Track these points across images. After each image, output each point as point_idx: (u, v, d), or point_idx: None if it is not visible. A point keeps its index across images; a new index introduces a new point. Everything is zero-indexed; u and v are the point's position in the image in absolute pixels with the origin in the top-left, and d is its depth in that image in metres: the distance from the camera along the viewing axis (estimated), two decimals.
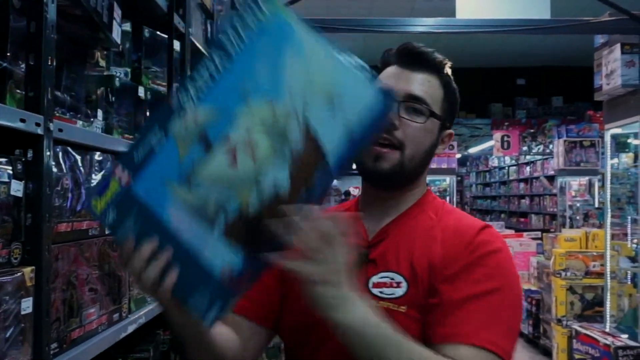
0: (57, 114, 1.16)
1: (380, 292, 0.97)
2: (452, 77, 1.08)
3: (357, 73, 0.79)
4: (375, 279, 0.99)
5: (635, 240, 3.99)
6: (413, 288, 0.97)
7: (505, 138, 8.79)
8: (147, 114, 1.67)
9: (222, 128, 0.79)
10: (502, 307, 0.94)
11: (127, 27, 1.59)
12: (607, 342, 3.52)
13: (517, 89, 13.59)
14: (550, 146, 8.62)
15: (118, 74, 1.54)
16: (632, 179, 4.18)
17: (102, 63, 1.47)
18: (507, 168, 12.90)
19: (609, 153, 3.73)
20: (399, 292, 0.97)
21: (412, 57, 1.05)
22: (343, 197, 8.91)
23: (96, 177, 1.33)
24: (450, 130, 1.09)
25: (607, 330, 3.82)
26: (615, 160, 4.15)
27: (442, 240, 1.00)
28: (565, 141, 7.27)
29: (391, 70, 1.06)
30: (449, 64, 1.08)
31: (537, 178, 10.92)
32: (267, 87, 0.79)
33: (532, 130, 10.07)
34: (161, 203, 0.80)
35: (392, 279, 0.98)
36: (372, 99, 0.79)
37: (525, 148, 9.75)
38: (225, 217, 0.79)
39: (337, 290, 0.82)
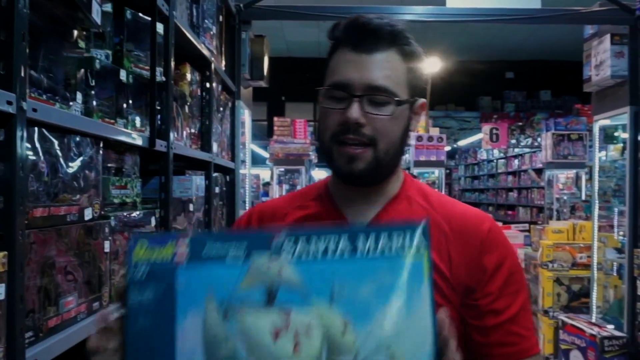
0: (34, 96, 1.12)
1: None
2: (411, 41, 0.98)
3: None
4: None
5: (621, 233, 4.01)
6: (439, 283, 0.93)
7: (494, 131, 8.80)
8: (129, 98, 1.63)
9: (293, 301, 0.74)
10: (529, 305, 0.99)
11: (108, 8, 1.54)
12: (594, 333, 3.54)
13: (505, 82, 13.65)
14: (539, 139, 8.64)
15: (98, 56, 1.49)
16: (619, 173, 4.19)
17: (82, 44, 1.42)
18: (495, 161, 12.95)
19: (597, 144, 3.72)
20: None
21: (365, 36, 0.95)
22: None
23: (74, 164, 1.28)
24: (422, 100, 1.02)
25: (594, 320, 3.84)
26: (603, 153, 4.16)
27: (452, 236, 0.98)
28: (553, 134, 7.28)
29: (345, 56, 0.96)
30: (404, 28, 0.98)
31: (525, 171, 10.97)
32: (358, 307, 0.73)
33: (520, 124, 10.09)
34: (187, 304, 0.74)
35: None
36: None
37: (513, 141, 9.77)
38: None
39: None
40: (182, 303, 0.74)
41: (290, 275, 0.74)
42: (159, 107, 1.81)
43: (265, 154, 8.46)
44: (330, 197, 1.05)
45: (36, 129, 1.11)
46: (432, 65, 10.60)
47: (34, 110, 1.03)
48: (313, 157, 8.05)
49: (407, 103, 0.97)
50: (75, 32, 1.38)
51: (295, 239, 0.75)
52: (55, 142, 1.20)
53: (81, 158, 1.32)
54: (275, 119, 7.58)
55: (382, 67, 0.94)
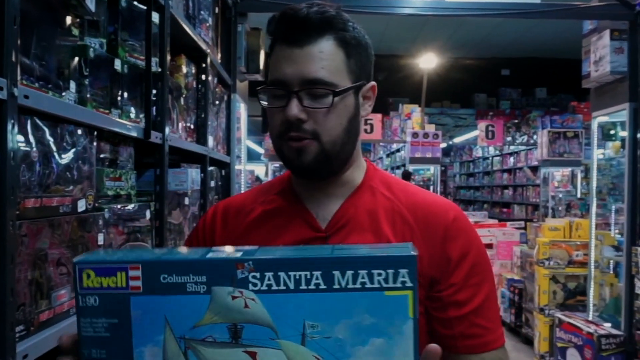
0: (26, 83, 1.08)
1: None
2: (349, 22, 0.94)
3: None
4: None
5: (617, 230, 4.01)
6: None
7: (490, 128, 8.80)
8: (124, 88, 1.59)
9: (260, 338, 0.67)
10: (494, 296, 0.97)
11: None
12: (590, 331, 3.53)
13: (501, 79, 13.66)
14: (534, 137, 8.65)
15: (93, 45, 1.46)
16: (614, 171, 4.18)
17: (75, 32, 1.38)
18: (490, 158, 12.96)
19: (595, 141, 3.71)
20: None
21: (295, 29, 0.91)
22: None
23: (67, 154, 1.25)
24: (371, 83, 0.98)
25: (590, 318, 3.83)
26: (601, 151, 4.14)
27: (416, 226, 0.96)
28: (549, 132, 7.28)
29: (279, 51, 0.93)
30: (337, 11, 0.93)
31: (520, 169, 10.97)
32: (333, 349, 0.66)
33: (516, 121, 10.10)
34: (144, 336, 0.68)
35: None
36: None
37: (509, 138, 9.78)
38: None
39: None
40: (138, 334, 0.68)
41: (257, 311, 0.67)
42: (154, 98, 1.77)
43: (260, 150, 8.43)
44: (293, 191, 1.02)
45: (28, 117, 1.07)
46: (427, 62, 10.59)
47: (26, 97, 0.99)
48: None
49: (349, 90, 0.93)
50: (69, 19, 1.34)
51: (262, 271, 0.67)
52: (48, 132, 1.16)
53: (74, 148, 1.28)
54: None
55: (315, 59, 0.90)
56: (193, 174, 2.21)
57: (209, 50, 2.47)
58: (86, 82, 1.38)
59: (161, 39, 1.81)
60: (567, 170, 7.51)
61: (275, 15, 0.94)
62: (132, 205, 1.61)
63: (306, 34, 0.91)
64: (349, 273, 0.66)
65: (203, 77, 2.43)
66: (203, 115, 2.43)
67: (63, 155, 1.23)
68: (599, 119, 3.56)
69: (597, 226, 3.96)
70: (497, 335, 0.96)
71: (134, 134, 1.59)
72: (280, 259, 0.67)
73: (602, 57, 3.17)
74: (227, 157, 3.02)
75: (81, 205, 1.27)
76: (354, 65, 0.94)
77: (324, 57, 0.91)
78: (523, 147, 10.14)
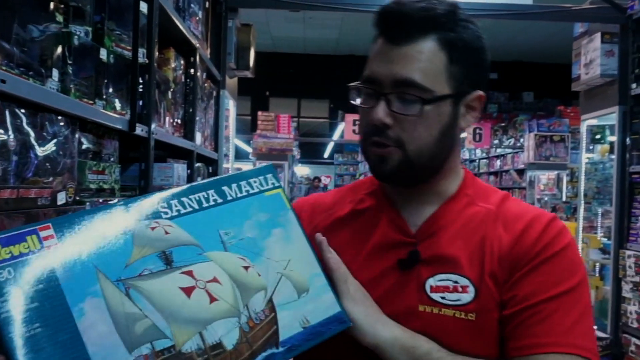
0: (5, 69, 1.03)
1: (442, 298, 0.84)
2: (461, 22, 0.85)
3: (328, 289, 0.82)
4: (432, 281, 0.85)
5: (601, 234, 4.02)
6: (484, 291, 0.83)
7: (478, 130, 8.81)
8: (109, 79, 1.54)
9: (190, 257, 0.73)
10: (582, 305, 0.83)
11: None
12: None
13: (489, 83, 13.71)
14: (521, 140, 8.68)
15: (78, 32, 1.40)
16: (599, 175, 4.19)
17: (59, 19, 1.33)
18: (477, 161, 13.01)
19: (584, 144, 3.71)
20: (467, 297, 0.83)
21: (395, 25, 0.84)
22: (312, 182, 8.79)
23: (47, 145, 1.20)
24: (477, 92, 0.89)
25: None
26: (588, 155, 4.15)
27: (507, 232, 0.86)
28: (536, 135, 7.31)
29: (377, 47, 0.87)
30: (450, 8, 0.85)
31: (506, 171, 11.02)
32: (249, 246, 0.78)
33: (503, 124, 10.14)
34: (79, 292, 0.65)
35: (456, 282, 0.84)
36: (337, 314, 0.81)
37: (496, 141, 9.81)
38: (150, 349, 0.66)
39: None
40: (71, 291, 0.64)
41: (177, 234, 0.74)
42: (141, 90, 1.72)
43: (248, 149, 8.38)
44: (384, 192, 0.96)
45: (6, 104, 1.02)
46: None
47: (3, 81, 0.94)
48: (296, 152, 8.00)
49: (446, 99, 0.85)
50: (52, 4, 1.29)
51: (169, 202, 0.75)
52: (27, 120, 1.11)
53: (55, 139, 1.23)
54: (260, 113, 7.50)
55: (411, 60, 0.83)
56: (179, 169, 2.17)
57: (198, 45, 2.42)
58: (69, 71, 1.33)
59: (149, 29, 1.76)
60: (553, 174, 7.55)
61: (381, 7, 0.87)
62: (116, 200, 1.56)
63: (406, 32, 0.83)
64: (234, 186, 0.82)
65: (192, 71, 2.38)
66: (191, 110, 2.38)
67: (43, 146, 1.18)
68: (588, 121, 3.56)
69: (583, 229, 3.96)
70: (568, 341, 0.80)
71: (118, 126, 1.54)
72: (180, 190, 0.78)
73: (592, 60, 3.16)
74: (215, 153, 2.97)
75: (61, 198, 1.22)
76: (456, 71, 0.85)
77: (422, 59, 0.83)
78: (510, 150, 10.18)
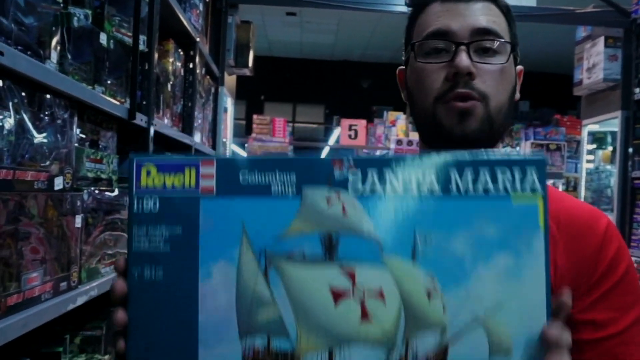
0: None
1: None
2: None
3: None
4: None
5: None
6: None
7: None
8: (109, 66, 1.49)
9: (360, 253, 0.56)
10: None
11: None
12: None
13: None
14: (517, 148, 8.67)
15: (77, 14, 1.36)
16: (594, 184, 4.17)
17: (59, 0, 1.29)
18: None
19: (585, 149, 3.69)
20: None
21: None
22: None
23: (45, 126, 1.15)
24: (520, 67, 0.87)
25: None
26: (590, 158, 4.14)
27: (559, 235, 0.77)
28: (532, 144, 7.29)
29: (436, 8, 0.82)
30: None
31: None
32: (450, 265, 0.55)
33: None
34: (215, 250, 0.56)
35: None
36: None
37: None
38: (264, 344, 0.56)
39: None
40: (207, 248, 0.55)
41: (358, 219, 0.55)
42: (140, 77, 1.68)
43: (243, 153, 8.32)
44: None
45: (4, 80, 0.97)
46: None
47: (1, 53, 0.89)
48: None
49: (514, 57, 0.83)
50: None
51: (364, 169, 0.55)
52: (25, 99, 1.06)
53: (54, 122, 1.18)
54: (255, 116, 7.45)
55: (487, 12, 0.80)
56: None
57: (198, 38, 2.37)
58: (68, 54, 1.28)
59: (150, 17, 1.71)
60: (549, 183, 7.54)
61: None
62: (113, 191, 1.51)
63: None
64: (469, 174, 0.55)
65: (191, 65, 2.34)
66: (190, 104, 2.34)
67: (41, 127, 1.12)
68: (589, 127, 3.53)
69: None
70: None
71: (118, 113, 1.49)
72: (387, 158, 0.56)
73: (595, 64, 3.14)
74: (213, 150, 2.92)
75: (58, 183, 1.17)
76: (513, 36, 0.83)
77: (494, 14, 0.81)
78: None
